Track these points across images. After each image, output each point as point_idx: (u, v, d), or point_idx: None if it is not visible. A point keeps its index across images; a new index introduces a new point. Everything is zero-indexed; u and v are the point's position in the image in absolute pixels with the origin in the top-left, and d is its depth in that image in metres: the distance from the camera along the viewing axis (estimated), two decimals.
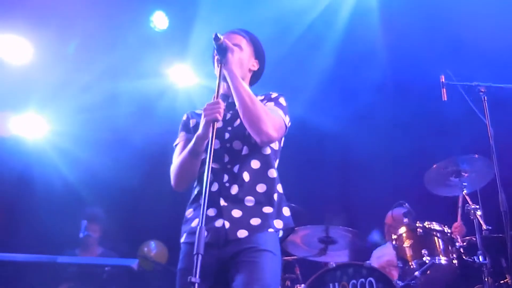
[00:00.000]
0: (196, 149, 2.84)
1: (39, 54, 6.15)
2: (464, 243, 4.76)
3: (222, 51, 2.90)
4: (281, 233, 2.87)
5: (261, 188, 2.87)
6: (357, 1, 6.17)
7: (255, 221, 2.78)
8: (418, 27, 6.11)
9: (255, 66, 3.21)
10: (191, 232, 2.83)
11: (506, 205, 4.24)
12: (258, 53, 3.23)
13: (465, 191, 4.93)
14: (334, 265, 4.61)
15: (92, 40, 6.10)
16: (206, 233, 2.49)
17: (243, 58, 3.08)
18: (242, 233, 2.74)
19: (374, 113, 6.78)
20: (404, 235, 4.85)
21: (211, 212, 2.80)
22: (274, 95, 3.10)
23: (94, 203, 6.60)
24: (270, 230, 2.78)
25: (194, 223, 2.84)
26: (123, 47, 6.20)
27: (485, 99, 4.70)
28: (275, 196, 2.88)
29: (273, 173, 2.94)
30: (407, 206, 4.96)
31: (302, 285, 4.65)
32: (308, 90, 6.55)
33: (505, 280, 4.33)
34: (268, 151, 2.97)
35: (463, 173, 4.98)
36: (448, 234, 4.77)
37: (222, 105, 2.72)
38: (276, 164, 3.03)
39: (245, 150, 2.91)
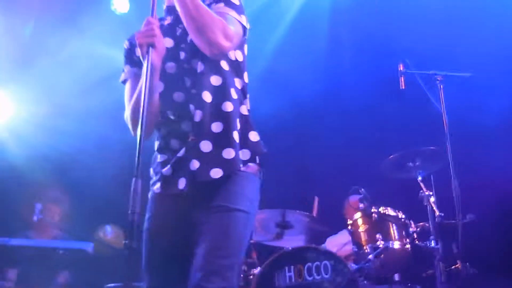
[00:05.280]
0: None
1: None
2: (417, 229, 4.87)
3: None
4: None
5: (227, 107, 2.43)
6: None
7: (228, 153, 2.38)
8: (376, 17, 6.18)
9: None
10: (165, 180, 2.44)
11: (458, 192, 4.36)
12: None
13: (419, 178, 5.00)
14: (290, 248, 4.63)
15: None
16: (184, 181, 2.31)
17: None
18: (217, 173, 2.34)
19: (332, 101, 6.80)
20: (359, 220, 4.96)
21: (182, 151, 2.40)
22: None
23: (53, 185, 6.43)
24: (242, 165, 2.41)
25: (166, 169, 2.44)
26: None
27: (442, 87, 4.80)
28: (238, 120, 2.45)
29: (233, 92, 2.49)
30: (363, 191, 5.00)
31: (258, 268, 4.65)
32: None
33: (456, 266, 4.42)
34: (226, 66, 2.50)
35: (417, 162, 5.05)
36: (402, 220, 4.88)
37: (156, 23, 2.26)
38: (244, 77, 2.59)
39: (200, 67, 2.44)
